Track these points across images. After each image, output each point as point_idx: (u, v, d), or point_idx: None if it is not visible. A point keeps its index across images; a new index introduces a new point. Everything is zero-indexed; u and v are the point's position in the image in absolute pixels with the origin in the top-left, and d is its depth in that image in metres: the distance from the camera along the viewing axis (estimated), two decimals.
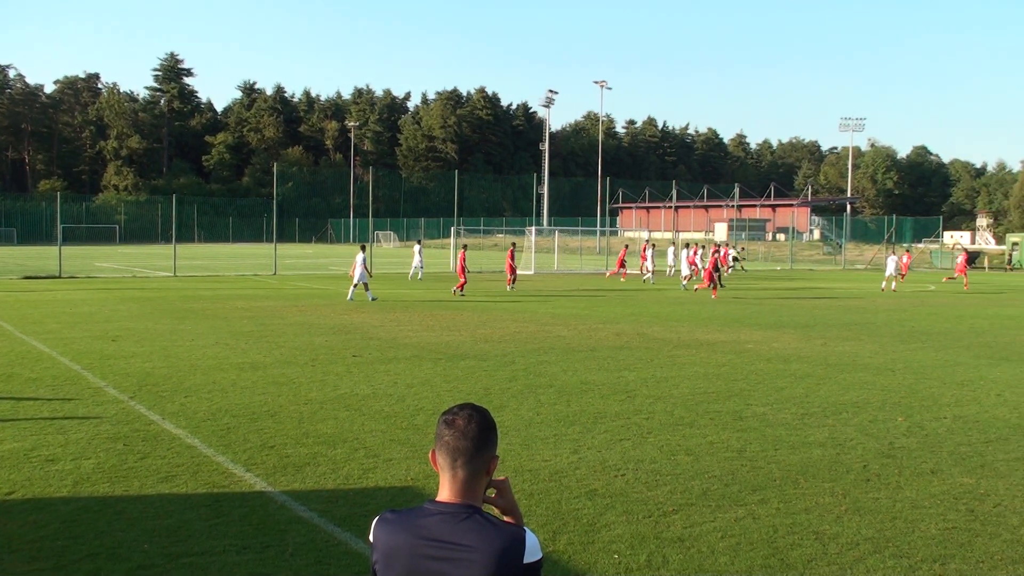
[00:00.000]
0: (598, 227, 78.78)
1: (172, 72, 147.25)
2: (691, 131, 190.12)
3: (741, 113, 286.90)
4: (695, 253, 38.32)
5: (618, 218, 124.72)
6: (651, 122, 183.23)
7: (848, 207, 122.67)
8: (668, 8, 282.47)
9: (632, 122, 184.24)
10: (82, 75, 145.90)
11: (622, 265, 41.81)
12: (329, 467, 8.29)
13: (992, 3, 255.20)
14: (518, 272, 34.73)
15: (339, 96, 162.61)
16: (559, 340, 17.93)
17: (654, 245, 44.04)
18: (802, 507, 7.23)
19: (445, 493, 2.59)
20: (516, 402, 11.44)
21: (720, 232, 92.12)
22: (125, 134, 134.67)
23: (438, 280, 38.65)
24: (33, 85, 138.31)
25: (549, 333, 19.16)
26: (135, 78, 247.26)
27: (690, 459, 8.68)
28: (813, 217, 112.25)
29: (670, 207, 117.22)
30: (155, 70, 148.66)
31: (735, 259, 51.15)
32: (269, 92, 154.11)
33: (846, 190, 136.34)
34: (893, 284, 36.55)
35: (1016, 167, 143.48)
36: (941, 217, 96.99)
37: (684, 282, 36.01)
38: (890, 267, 36.75)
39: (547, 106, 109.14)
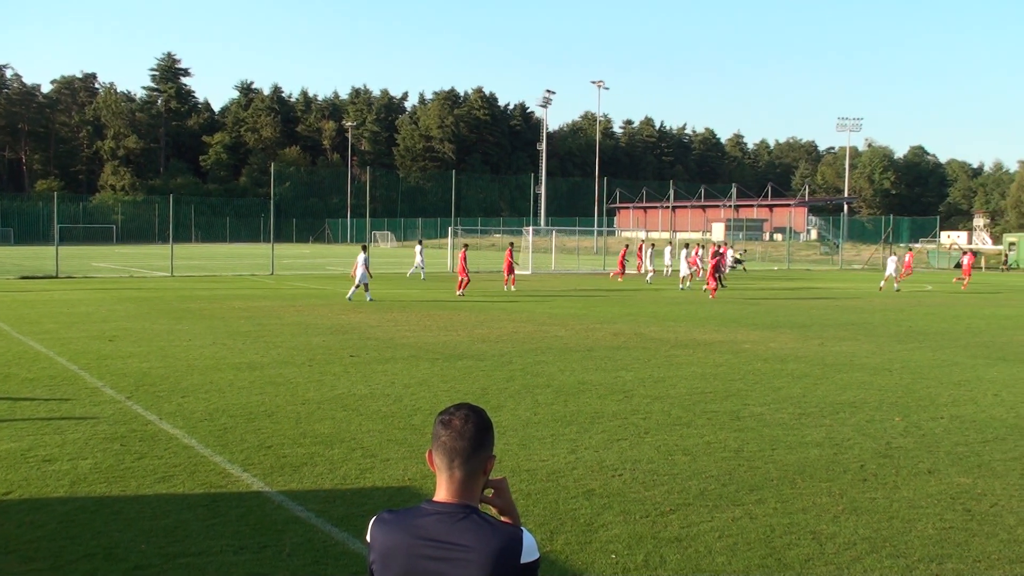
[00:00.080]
0: (595, 227, 78.84)
1: (169, 72, 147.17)
2: (688, 131, 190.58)
3: (738, 113, 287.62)
4: (696, 254, 38.33)
5: (615, 218, 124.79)
6: (648, 122, 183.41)
7: (845, 207, 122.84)
8: (665, 8, 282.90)
9: (629, 122, 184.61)
10: (79, 75, 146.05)
11: (623, 266, 41.87)
12: (326, 467, 8.29)
13: (990, 3, 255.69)
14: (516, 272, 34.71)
15: (336, 96, 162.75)
16: (556, 340, 17.93)
17: (653, 245, 44.04)
18: (799, 507, 7.23)
19: (442, 493, 2.59)
20: (513, 402, 11.44)
21: (717, 232, 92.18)
22: (122, 134, 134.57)
23: (437, 280, 38.65)
24: (30, 85, 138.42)
25: (546, 333, 19.16)
26: (132, 78, 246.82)
27: (687, 459, 8.68)
28: (810, 217, 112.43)
29: (667, 207, 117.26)
30: (152, 70, 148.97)
31: (737, 260, 51.25)
32: (266, 92, 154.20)
33: (843, 190, 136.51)
34: (895, 285, 36.49)
35: (1013, 167, 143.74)
36: (938, 217, 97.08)
37: (686, 283, 35.91)
38: (890, 267, 36.72)
39: (544, 106, 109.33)
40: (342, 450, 8.90)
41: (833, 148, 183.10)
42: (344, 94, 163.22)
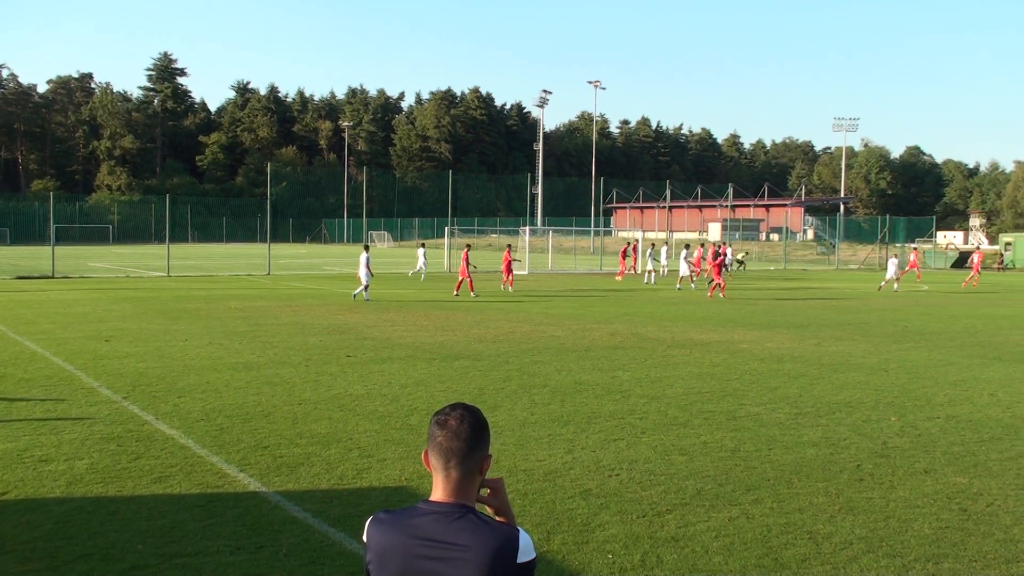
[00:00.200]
0: (592, 227, 78.88)
1: (165, 72, 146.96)
2: (685, 131, 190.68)
3: (735, 113, 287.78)
4: (698, 255, 38.29)
5: (612, 218, 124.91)
6: (645, 122, 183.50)
7: (841, 207, 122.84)
8: (662, 9, 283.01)
9: (626, 122, 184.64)
10: (75, 75, 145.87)
11: (624, 264, 41.75)
12: (323, 467, 8.28)
13: (987, 4, 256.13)
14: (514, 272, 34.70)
15: (333, 96, 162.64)
16: (553, 340, 17.93)
17: (653, 245, 44.03)
18: (796, 507, 7.24)
19: (438, 493, 2.59)
20: (510, 402, 11.44)
21: (714, 232, 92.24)
22: (118, 134, 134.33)
23: (435, 280, 38.64)
24: (26, 85, 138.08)
25: (543, 333, 19.16)
26: (128, 78, 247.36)
27: (684, 459, 8.69)
28: (807, 217, 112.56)
29: (664, 207, 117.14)
30: (148, 70, 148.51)
31: (738, 262, 51.37)
32: (263, 92, 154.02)
33: (839, 190, 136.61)
34: (894, 285, 36.46)
35: (1009, 167, 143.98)
36: (934, 217, 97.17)
37: (689, 284, 35.81)
38: (891, 269, 36.69)
39: (541, 106, 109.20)
40: (339, 450, 8.90)
41: (829, 148, 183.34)
42: (340, 94, 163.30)
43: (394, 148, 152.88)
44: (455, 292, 30.45)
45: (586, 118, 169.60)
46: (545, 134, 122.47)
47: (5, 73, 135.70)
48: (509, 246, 35.19)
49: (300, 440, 9.30)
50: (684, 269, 36.60)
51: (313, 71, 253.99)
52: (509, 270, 33.17)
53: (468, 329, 19.70)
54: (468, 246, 33.13)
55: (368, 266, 27.36)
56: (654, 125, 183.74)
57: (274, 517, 6.91)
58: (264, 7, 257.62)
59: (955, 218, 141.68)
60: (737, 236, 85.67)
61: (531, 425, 10.11)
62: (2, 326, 19.41)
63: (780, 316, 23.98)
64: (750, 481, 7.95)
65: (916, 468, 8.46)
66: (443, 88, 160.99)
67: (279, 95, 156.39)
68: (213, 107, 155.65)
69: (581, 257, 63.45)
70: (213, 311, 23.20)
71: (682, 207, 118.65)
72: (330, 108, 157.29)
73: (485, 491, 2.68)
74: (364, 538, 2.64)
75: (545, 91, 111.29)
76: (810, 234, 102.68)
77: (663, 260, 45.23)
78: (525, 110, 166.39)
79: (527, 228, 55.14)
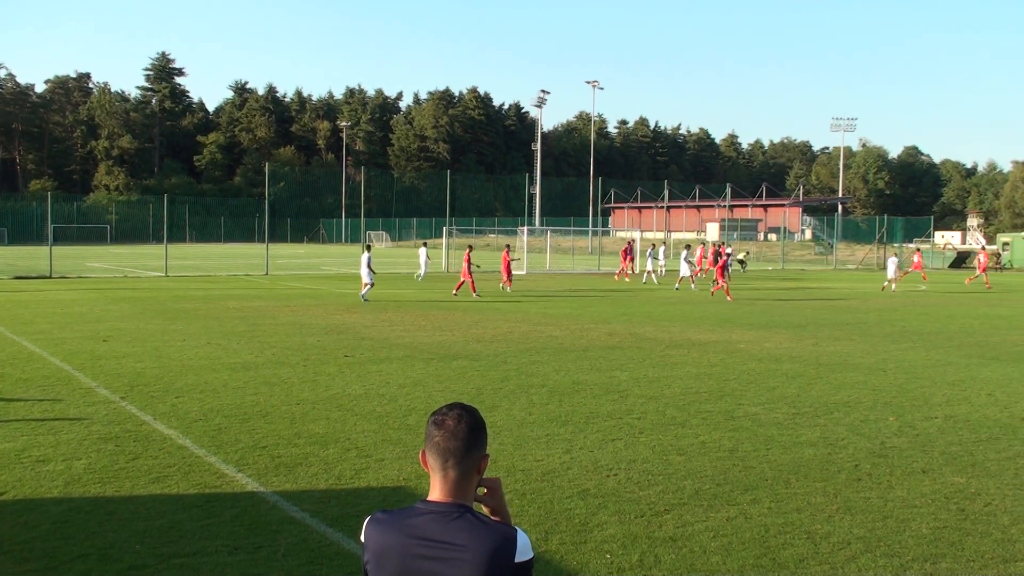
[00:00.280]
0: (590, 227, 78.86)
1: (163, 72, 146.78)
2: (683, 131, 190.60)
3: (733, 113, 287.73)
4: (700, 253, 38.26)
5: (610, 218, 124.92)
6: (643, 122, 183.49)
7: (839, 207, 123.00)
8: (660, 9, 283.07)
9: (624, 122, 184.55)
10: (73, 75, 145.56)
11: (625, 265, 41.78)
12: (321, 467, 8.28)
13: (985, 4, 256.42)
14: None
15: (331, 96, 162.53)
16: (551, 340, 17.93)
17: (653, 245, 44.04)
18: (794, 506, 7.24)
19: (436, 493, 2.59)
20: (508, 402, 11.44)
21: (712, 232, 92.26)
22: (116, 134, 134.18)
23: (434, 281, 38.64)
24: (24, 84, 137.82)
25: (541, 333, 19.16)
26: (126, 78, 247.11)
27: (682, 459, 8.69)
28: (804, 217, 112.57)
29: (662, 207, 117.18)
30: (146, 70, 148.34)
31: (740, 262, 51.46)
32: (261, 92, 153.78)
33: (837, 190, 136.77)
34: (892, 285, 36.46)
35: (1007, 167, 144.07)
36: (932, 217, 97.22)
37: (688, 284, 35.79)
38: (890, 268, 36.72)
39: (539, 106, 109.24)
40: (337, 450, 8.90)
41: (827, 148, 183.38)
42: (339, 94, 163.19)
43: (392, 148, 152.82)
44: (455, 292, 30.44)
45: (584, 118, 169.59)
46: (543, 134, 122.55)
47: (3, 73, 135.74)
48: (508, 246, 35.17)
49: (298, 440, 9.30)
50: (685, 270, 36.55)
51: (311, 71, 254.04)
52: (508, 270, 33.17)
53: (466, 329, 19.70)
54: (470, 247, 33.03)
55: (370, 265, 27.31)
56: (652, 125, 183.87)
57: (272, 517, 6.91)
58: (262, 7, 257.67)
59: (953, 218, 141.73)
60: (735, 236, 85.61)
61: (529, 425, 10.11)
62: (0, 326, 19.39)
63: (778, 316, 23.99)
64: (748, 481, 7.95)
65: (914, 468, 8.47)
66: (441, 88, 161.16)
67: (277, 95, 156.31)
68: (211, 107, 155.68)
69: (579, 257, 63.47)
70: (211, 311, 23.19)
71: (680, 207, 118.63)
72: (328, 108, 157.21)
73: (482, 491, 2.68)
74: (362, 538, 2.64)
75: (543, 91, 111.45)
76: (808, 234, 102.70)
77: (661, 260, 45.25)
78: (523, 110, 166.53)
79: (525, 228, 55.14)
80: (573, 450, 8.99)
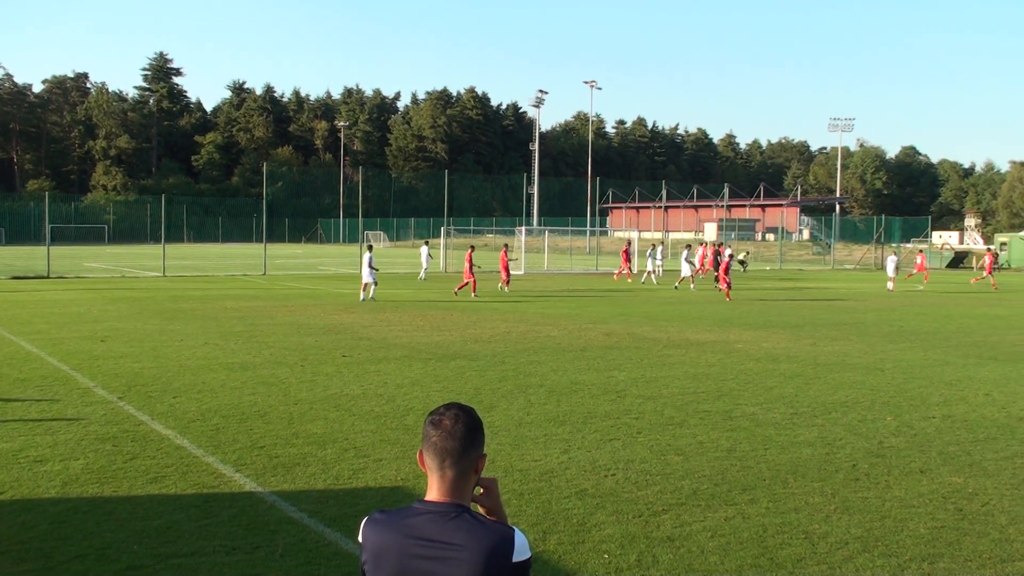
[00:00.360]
0: (588, 227, 78.96)
1: (161, 72, 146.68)
2: (681, 131, 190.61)
3: (731, 113, 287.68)
4: (702, 253, 38.23)
5: (608, 218, 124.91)
6: (641, 122, 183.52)
7: (837, 207, 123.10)
8: (659, 9, 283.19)
9: (622, 122, 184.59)
10: (70, 74, 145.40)
11: (627, 265, 41.81)
12: (319, 467, 8.28)
13: (984, 4, 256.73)
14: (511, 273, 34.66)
15: (329, 96, 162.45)
16: (549, 340, 17.93)
17: (653, 245, 44.03)
18: (791, 506, 7.25)
19: (434, 493, 2.59)
20: (506, 402, 11.44)
21: (710, 232, 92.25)
22: (114, 134, 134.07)
23: (433, 280, 38.64)
24: (21, 84, 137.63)
25: (539, 333, 19.16)
26: (124, 78, 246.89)
27: (680, 459, 8.69)
28: (802, 217, 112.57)
29: (660, 207, 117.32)
30: (144, 70, 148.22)
31: (740, 262, 51.51)
32: (258, 92, 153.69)
33: (835, 190, 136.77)
34: (889, 284, 36.43)
35: (1004, 168, 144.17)
36: (930, 217, 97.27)
37: (688, 285, 35.75)
38: (890, 268, 36.72)
39: (537, 106, 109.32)
40: (335, 450, 8.89)
41: (825, 148, 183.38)
42: (336, 94, 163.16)
43: (390, 148, 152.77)
44: (455, 291, 30.43)
45: (582, 118, 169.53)
46: (541, 134, 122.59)
47: (0, 73, 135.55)
48: (506, 246, 35.16)
49: (296, 440, 9.30)
50: (686, 270, 36.50)
51: (309, 71, 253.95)
52: (507, 270, 33.17)
53: (464, 329, 19.70)
54: (472, 247, 32.95)
55: (371, 265, 27.27)
56: (650, 125, 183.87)
57: (270, 517, 6.90)
58: (260, 7, 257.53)
59: (950, 218, 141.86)
60: (733, 236, 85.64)
61: (527, 425, 10.11)
62: None
63: (776, 316, 24.00)
64: (746, 481, 7.95)
65: (912, 468, 8.47)
66: (439, 88, 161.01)
67: (275, 95, 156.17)
68: (209, 107, 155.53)
69: (577, 257, 63.48)
70: (209, 311, 23.17)
71: (678, 207, 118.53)
72: (326, 108, 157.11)
73: (478, 490, 2.68)
74: (360, 538, 2.64)
75: (541, 91, 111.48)
76: (806, 234, 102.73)
77: (659, 260, 45.23)
78: (521, 110, 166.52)
79: (523, 228, 55.16)
80: (571, 450, 8.99)
